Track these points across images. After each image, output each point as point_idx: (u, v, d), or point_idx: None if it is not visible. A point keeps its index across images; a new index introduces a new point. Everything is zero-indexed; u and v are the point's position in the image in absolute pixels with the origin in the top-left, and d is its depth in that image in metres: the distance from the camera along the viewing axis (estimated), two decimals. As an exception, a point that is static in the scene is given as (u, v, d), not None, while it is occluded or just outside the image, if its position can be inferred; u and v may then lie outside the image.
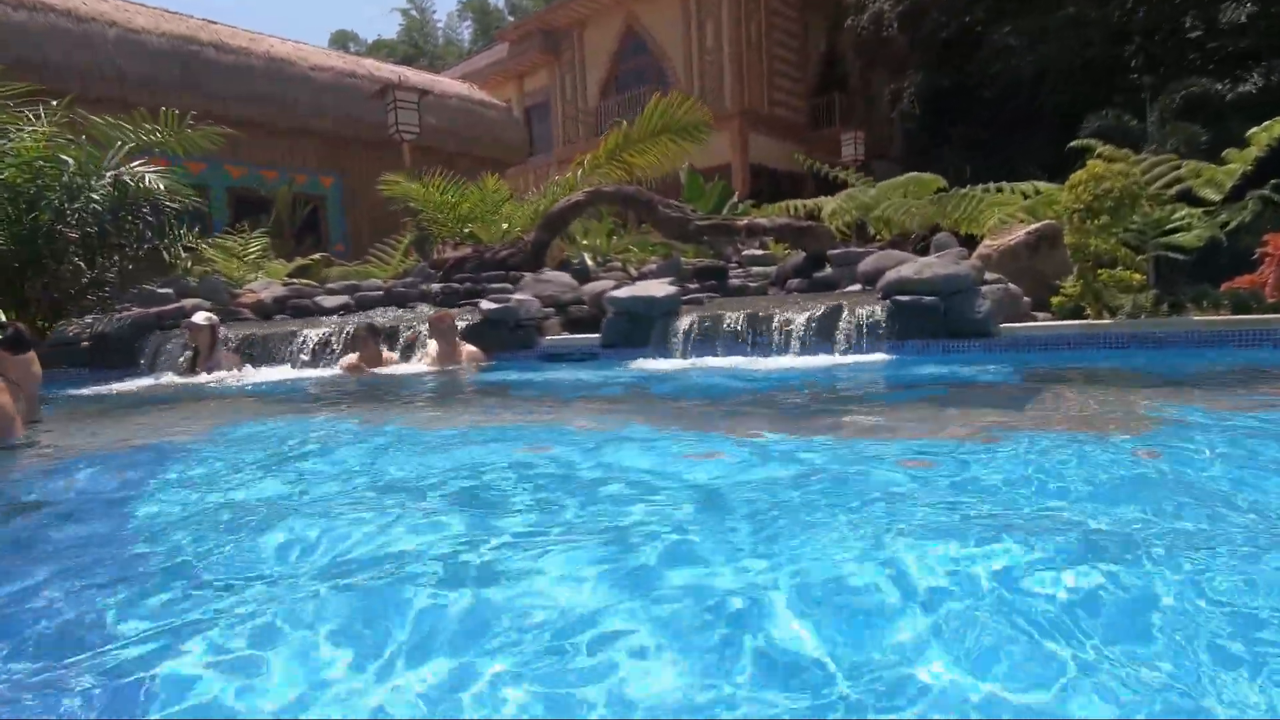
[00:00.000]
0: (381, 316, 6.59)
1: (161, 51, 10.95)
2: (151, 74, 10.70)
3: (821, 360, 4.75)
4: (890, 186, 7.18)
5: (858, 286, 6.54)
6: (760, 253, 8.12)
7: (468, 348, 5.61)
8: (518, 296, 5.85)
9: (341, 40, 44.56)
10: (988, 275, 4.95)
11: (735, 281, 7.90)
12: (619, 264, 8.13)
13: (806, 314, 5.03)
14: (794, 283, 7.15)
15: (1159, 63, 15.50)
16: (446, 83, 14.80)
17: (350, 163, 13.09)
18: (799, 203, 8.04)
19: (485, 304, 5.81)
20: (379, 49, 42.92)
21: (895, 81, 17.72)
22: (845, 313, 4.95)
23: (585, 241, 8.38)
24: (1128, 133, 13.90)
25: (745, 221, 7.39)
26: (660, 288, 5.49)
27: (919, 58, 16.99)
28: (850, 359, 4.70)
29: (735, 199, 9.48)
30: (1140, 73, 15.88)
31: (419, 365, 5.62)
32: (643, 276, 8.04)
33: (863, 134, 16.72)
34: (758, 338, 5.11)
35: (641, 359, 5.32)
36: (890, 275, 5.00)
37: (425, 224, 8.97)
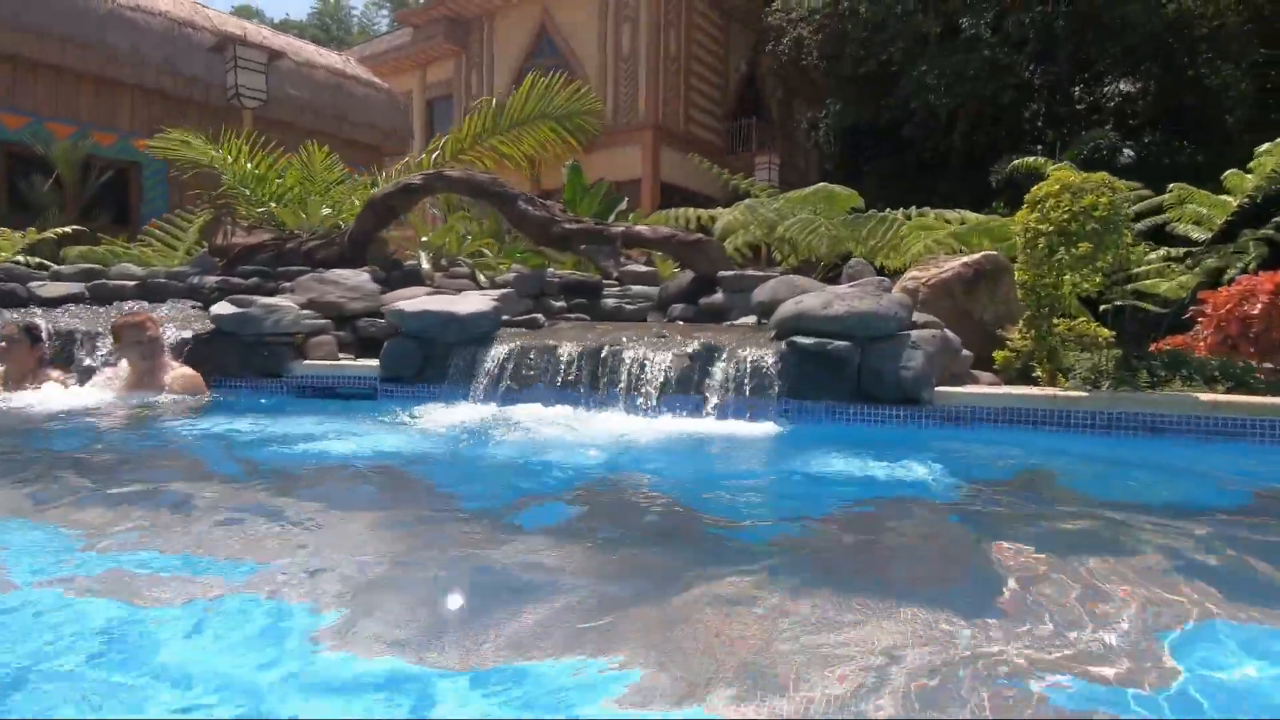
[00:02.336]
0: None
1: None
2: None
3: (680, 425, 3.14)
4: (797, 199, 5.81)
5: (751, 319, 5.06)
6: (644, 268, 6.54)
7: (178, 371, 3.69)
8: (269, 300, 3.97)
9: (245, 16, 41.19)
10: (917, 316, 3.52)
11: (610, 302, 6.29)
12: (467, 269, 6.36)
13: (670, 353, 3.42)
14: (677, 308, 5.60)
15: (1061, 119, 15.29)
16: (314, 50, 12.64)
17: (180, 128, 10.68)
18: (690, 212, 6.57)
19: (218, 307, 3.91)
20: (284, 29, 39.72)
21: (813, 110, 16.87)
22: (722, 356, 3.38)
23: (426, 239, 6.57)
24: (1039, 179, 13.45)
25: (622, 229, 5.80)
26: (472, 301, 3.76)
27: (837, 89, 16.20)
28: (721, 427, 3.11)
29: (624, 206, 7.96)
30: (1045, 124, 15.65)
31: (99, 392, 3.64)
32: (497, 288, 6.31)
33: (778, 160, 15.68)
34: (600, 382, 3.47)
35: (432, 403, 3.58)
36: (787, 308, 3.49)
37: (230, 202, 6.91)
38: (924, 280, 4.18)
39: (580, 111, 7.45)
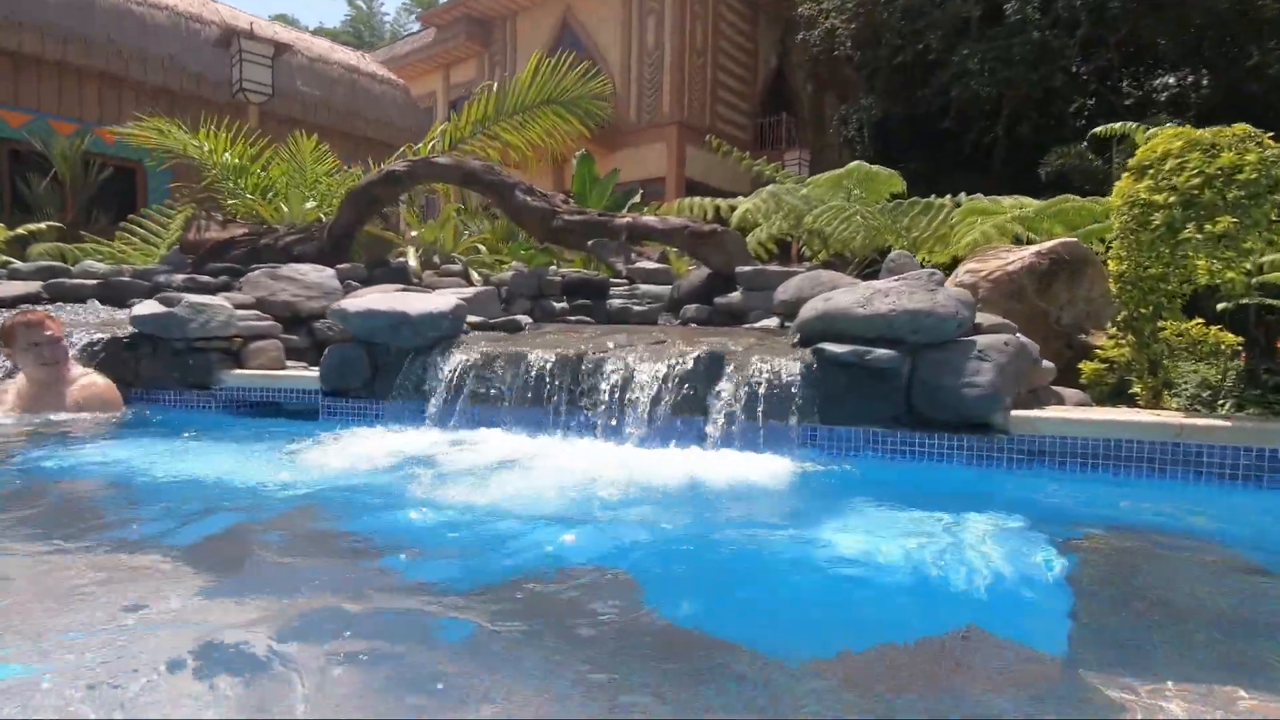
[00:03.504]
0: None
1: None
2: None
3: (673, 461, 2.40)
4: (827, 182, 5.00)
5: (773, 321, 4.30)
6: (653, 266, 5.81)
7: (84, 382, 3.08)
8: (198, 299, 3.33)
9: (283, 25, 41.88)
10: (980, 318, 2.73)
11: (616, 302, 5.56)
12: (460, 267, 5.71)
13: (664, 364, 2.69)
14: (690, 309, 4.88)
15: (1112, 110, 14.07)
16: (326, 45, 12.21)
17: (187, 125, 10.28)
18: (706, 201, 5.79)
19: (140, 307, 3.30)
20: (318, 36, 40.23)
21: (845, 104, 15.95)
22: (730, 368, 2.63)
23: (415, 233, 5.94)
24: (1090, 174, 12.36)
25: (627, 220, 5.08)
26: (430, 300, 3.07)
27: (871, 80, 15.27)
28: (725, 463, 2.36)
29: (639, 199, 7.24)
30: (1094, 116, 14.42)
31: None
32: (495, 286, 5.66)
33: (808, 156, 14.81)
34: (578, 400, 2.75)
35: (375, 425, 2.90)
36: (814, 306, 2.72)
37: (214, 196, 6.38)
38: (984, 274, 3.37)
39: (590, 95, 6.76)
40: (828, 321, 2.62)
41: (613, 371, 2.70)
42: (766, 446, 2.48)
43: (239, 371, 3.24)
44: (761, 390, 2.54)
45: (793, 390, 2.53)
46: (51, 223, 6.38)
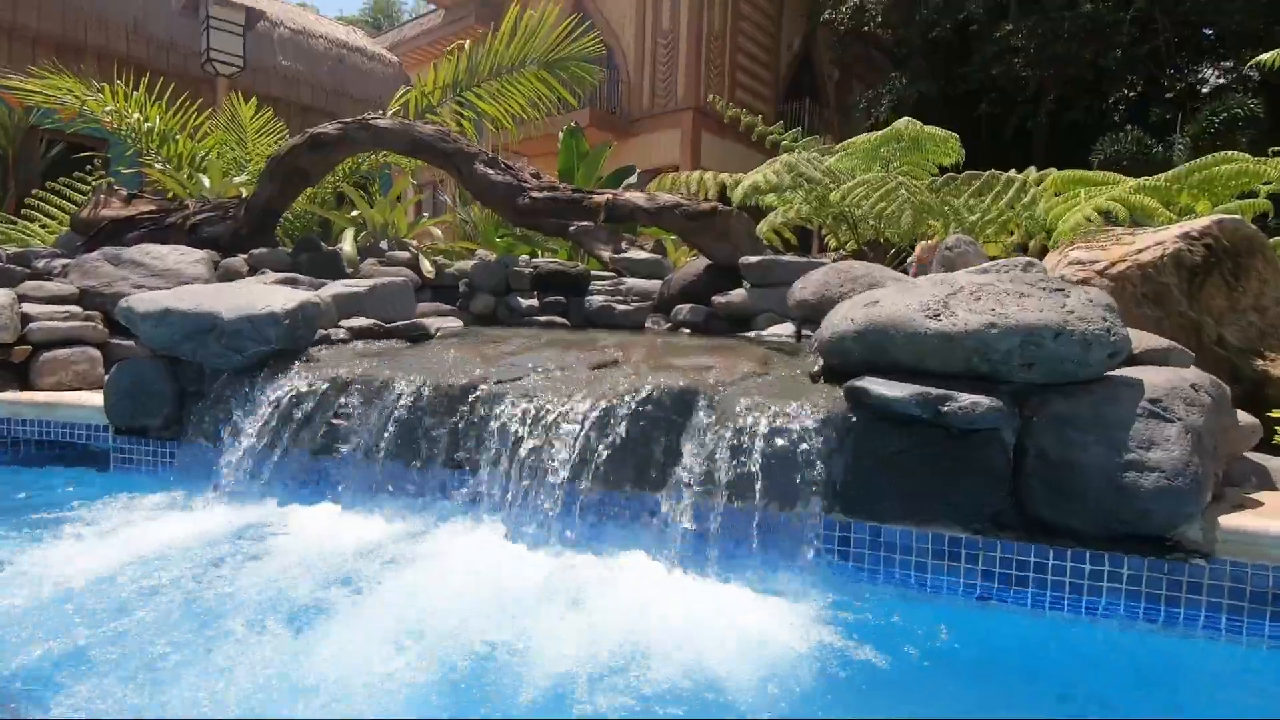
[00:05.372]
0: None
1: None
2: None
3: (592, 595, 1.32)
4: (862, 148, 3.82)
5: (787, 328, 3.22)
6: (643, 256, 4.71)
7: None
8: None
9: (300, 14, 41.26)
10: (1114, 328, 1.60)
11: (596, 300, 4.47)
12: (411, 253, 4.66)
13: (594, 405, 1.61)
14: (684, 310, 3.79)
15: (1165, 94, 12.54)
16: (311, 18, 11.24)
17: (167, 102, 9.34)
18: (706, 176, 4.65)
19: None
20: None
21: (874, 86, 14.65)
22: (704, 416, 1.54)
23: (355, 213, 4.92)
24: (1148, 162, 10.97)
25: (605, 196, 3.99)
26: (266, 295, 2.01)
27: (904, 60, 13.96)
28: (683, 610, 1.25)
29: (635, 179, 6.15)
30: (1145, 99, 12.86)
31: None
32: (454, 278, 4.62)
33: (818, 138, 13.53)
34: (461, 458, 1.69)
35: (158, 493, 1.86)
36: (849, 314, 1.61)
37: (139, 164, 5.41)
38: (1100, 267, 2.24)
39: (578, 55, 5.67)
40: (874, 341, 1.51)
41: (514, 414, 1.63)
42: (762, 561, 1.39)
43: (4, 396, 2.22)
44: (756, 456, 1.45)
45: (811, 457, 1.44)
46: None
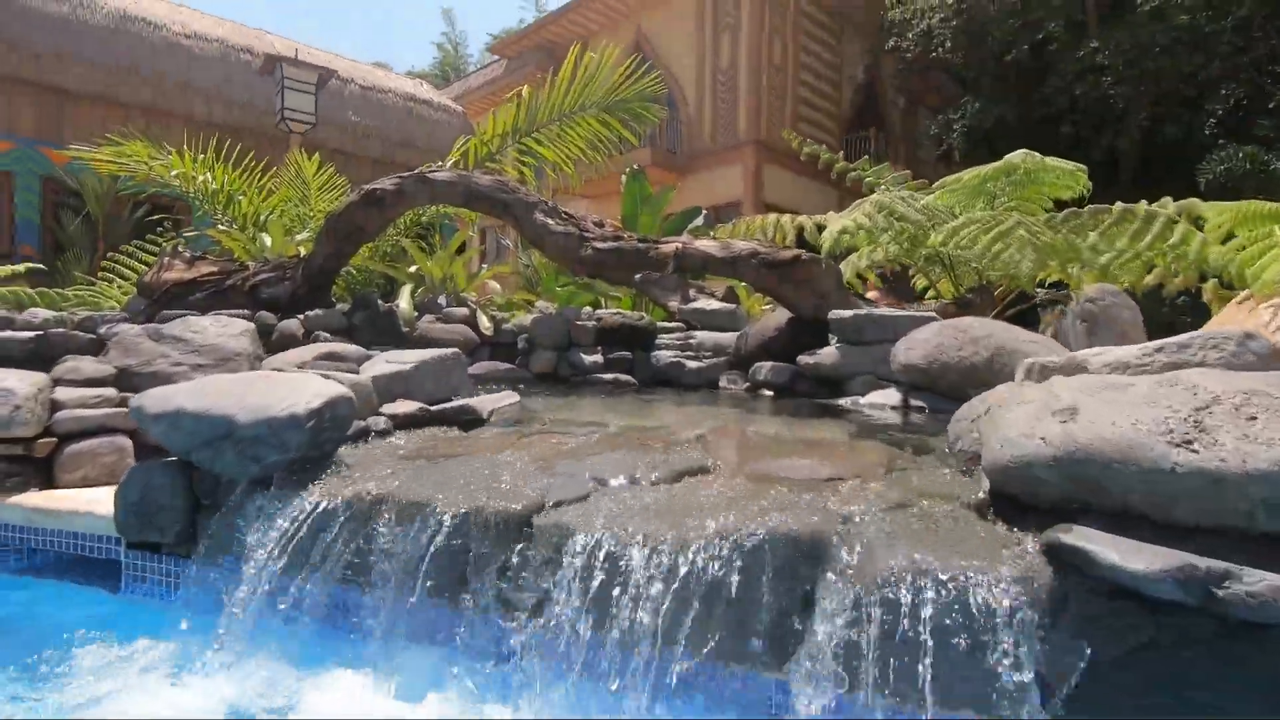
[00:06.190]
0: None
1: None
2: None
3: None
4: (967, 184, 3.33)
5: (891, 398, 2.77)
6: (714, 306, 4.31)
7: None
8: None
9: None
10: None
11: (665, 354, 4.12)
12: (470, 309, 4.42)
13: (689, 555, 1.21)
14: (764, 369, 3.38)
15: (1270, 105, 11.33)
16: (381, 74, 11.55)
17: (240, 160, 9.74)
18: (784, 220, 4.22)
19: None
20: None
21: (943, 113, 13.98)
22: (835, 578, 1.12)
23: (413, 269, 4.73)
24: (1270, 178, 9.91)
25: (674, 245, 3.63)
26: (294, 390, 1.71)
27: (975, 84, 13.28)
28: None
29: (702, 221, 5.80)
30: (1248, 113, 11.63)
31: None
32: (513, 334, 4.34)
33: (909, 173, 12.93)
34: (518, 613, 1.31)
35: (159, 636, 1.55)
36: (1036, 433, 1.13)
37: (213, 226, 5.43)
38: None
39: (638, 98, 5.42)
40: (1084, 474, 1.05)
41: (578, 555, 1.24)
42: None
43: (11, 501, 1.99)
44: (923, 639, 1.01)
45: (1017, 644, 0.98)
46: (32, 264, 5.63)
